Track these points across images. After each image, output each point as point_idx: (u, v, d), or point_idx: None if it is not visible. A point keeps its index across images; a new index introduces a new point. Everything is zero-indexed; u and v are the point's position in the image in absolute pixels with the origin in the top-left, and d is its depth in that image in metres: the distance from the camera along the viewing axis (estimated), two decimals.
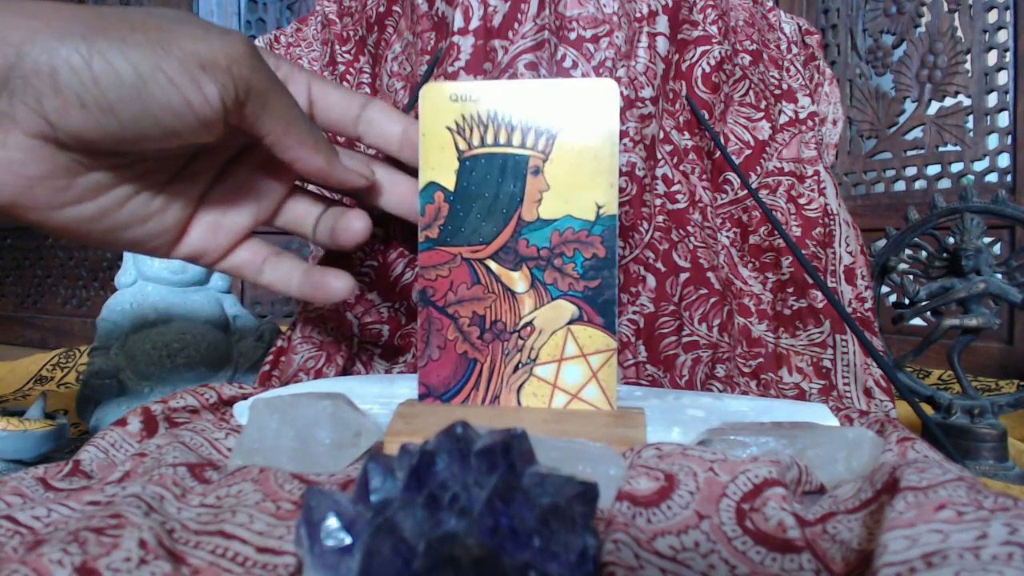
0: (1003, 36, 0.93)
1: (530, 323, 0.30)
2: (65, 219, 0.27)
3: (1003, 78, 0.93)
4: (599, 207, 0.30)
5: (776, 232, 0.44)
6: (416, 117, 0.31)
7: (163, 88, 0.24)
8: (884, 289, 0.57)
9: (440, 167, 0.31)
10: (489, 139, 0.30)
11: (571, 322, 0.30)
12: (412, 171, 0.33)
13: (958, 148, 0.97)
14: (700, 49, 0.45)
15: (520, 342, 0.30)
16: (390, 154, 0.34)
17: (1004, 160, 0.94)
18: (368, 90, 0.49)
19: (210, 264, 0.33)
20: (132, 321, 0.59)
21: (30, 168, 0.25)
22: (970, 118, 0.96)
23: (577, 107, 0.30)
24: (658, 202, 0.43)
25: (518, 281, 0.30)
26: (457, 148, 0.30)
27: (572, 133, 0.30)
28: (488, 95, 0.30)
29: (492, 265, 0.30)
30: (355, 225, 0.33)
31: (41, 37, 0.23)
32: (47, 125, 0.24)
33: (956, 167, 0.98)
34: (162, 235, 0.30)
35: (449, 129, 0.30)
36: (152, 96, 0.24)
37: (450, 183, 0.31)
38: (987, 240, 0.58)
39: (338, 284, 0.33)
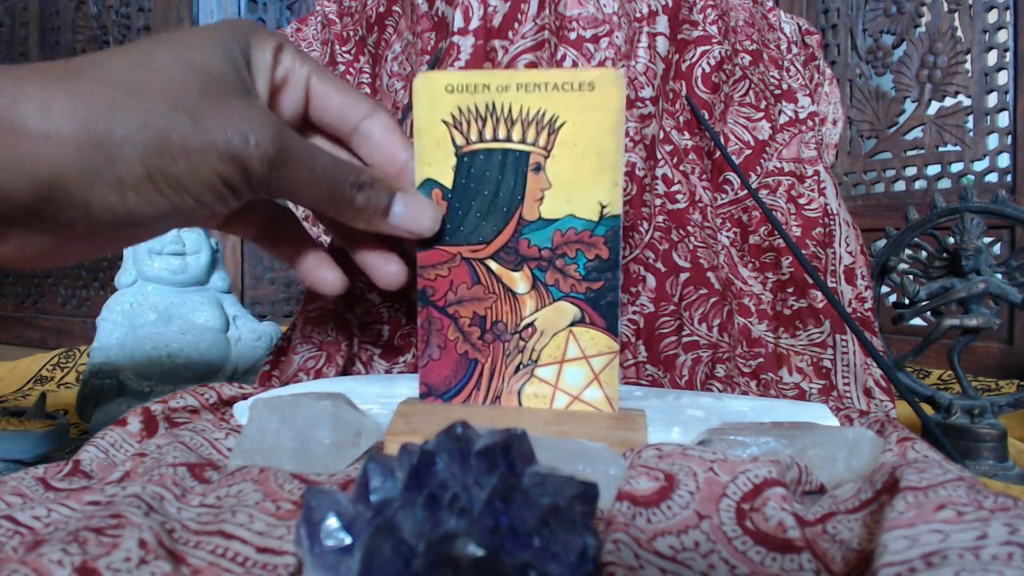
0: (1003, 36, 0.93)
1: (531, 324, 0.30)
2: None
3: (1003, 78, 0.93)
4: (603, 207, 0.29)
5: (776, 232, 0.44)
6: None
7: (191, 208, 0.25)
8: (884, 289, 0.57)
9: (437, 163, 0.29)
10: (488, 134, 0.29)
11: (573, 324, 0.30)
12: None
13: (958, 148, 0.97)
14: (700, 49, 0.45)
15: (521, 343, 0.30)
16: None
17: (1004, 160, 0.94)
18: (368, 90, 0.49)
19: (210, 228, 0.33)
20: (132, 321, 0.59)
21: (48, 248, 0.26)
22: (970, 118, 0.96)
23: (581, 99, 0.28)
24: (658, 202, 0.43)
25: (519, 282, 0.30)
26: (454, 143, 0.29)
27: (575, 127, 0.28)
28: (486, 85, 0.29)
29: (492, 265, 0.30)
30: (330, 277, 0.33)
31: (70, 171, 0.22)
32: (74, 233, 0.25)
33: (956, 167, 0.98)
34: (160, 230, 0.31)
35: (445, 123, 0.29)
36: (183, 212, 0.25)
37: (448, 180, 0.29)
38: (987, 240, 0.58)
39: (326, 276, 0.33)
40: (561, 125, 0.28)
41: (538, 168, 0.29)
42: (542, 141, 0.29)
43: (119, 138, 0.23)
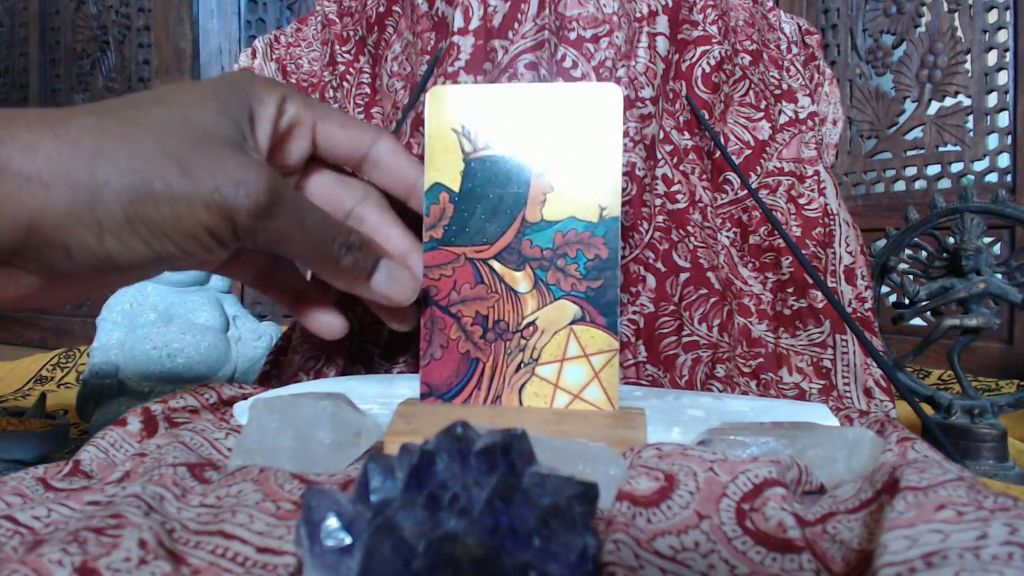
0: (1003, 36, 0.93)
1: (533, 323, 0.30)
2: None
3: (1003, 78, 0.93)
4: (602, 209, 0.30)
5: (776, 232, 0.44)
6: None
7: (173, 255, 0.25)
8: (884, 289, 0.57)
9: (445, 168, 0.31)
10: (494, 142, 0.31)
11: (573, 322, 0.30)
12: (414, 220, 0.32)
13: (958, 148, 0.97)
14: (700, 49, 0.45)
15: (522, 342, 0.30)
16: (396, 198, 0.33)
17: (1004, 160, 0.94)
18: (368, 90, 0.49)
19: (204, 271, 0.33)
20: (132, 321, 0.59)
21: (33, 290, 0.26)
22: (970, 118, 0.96)
23: (581, 111, 0.30)
24: (658, 202, 0.43)
25: (521, 281, 0.30)
26: (463, 150, 0.31)
27: (576, 136, 0.30)
28: (494, 98, 0.31)
29: (495, 265, 0.31)
30: (331, 322, 0.33)
31: (50, 214, 0.22)
32: (57, 274, 0.25)
33: (956, 167, 0.98)
34: (152, 273, 0.31)
35: (455, 131, 0.31)
36: (165, 259, 0.25)
37: (455, 184, 0.31)
38: (987, 240, 0.58)
39: (328, 321, 0.33)
40: (563, 134, 0.30)
41: (541, 173, 0.30)
42: (545, 148, 0.30)
43: (100, 182, 0.23)
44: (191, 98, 0.26)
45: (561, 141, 0.30)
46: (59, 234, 0.23)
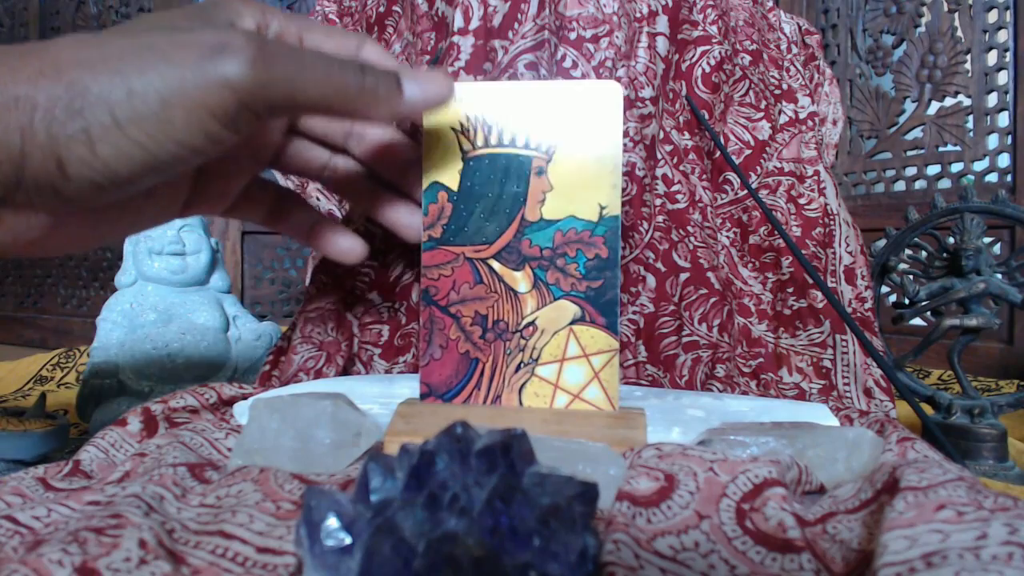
0: (1003, 36, 0.93)
1: (532, 323, 0.30)
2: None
3: (1003, 78, 0.93)
4: (602, 208, 0.30)
5: (776, 232, 0.44)
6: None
7: (174, 154, 0.23)
8: (884, 289, 0.57)
9: (444, 167, 0.30)
10: (493, 140, 0.30)
11: (573, 322, 0.30)
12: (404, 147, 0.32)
13: (958, 148, 0.97)
14: (700, 49, 0.45)
15: (522, 342, 0.30)
16: None
17: (1004, 160, 0.94)
18: None
19: (215, 216, 0.33)
20: (132, 321, 0.59)
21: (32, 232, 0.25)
22: (970, 118, 0.96)
23: (581, 109, 0.30)
24: (658, 202, 0.43)
25: (520, 281, 0.30)
26: (461, 148, 0.30)
27: (576, 134, 0.30)
28: (493, 97, 0.30)
29: (495, 265, 0.30)
30: (349, 244, 0.33)
31: (39, 131, 0.22)
32: (61, 202, 0.24)
33: (956, 167, 0.98)
34: (163, 215, 0.30)
35: (454, 130, 0.30)
36: (165, 161, 0.24)
37: (454, 183, 0.30)
38: (987, 240, 0.58)
39: (347, 244, 0.33)
40: (563, 132, 0.30)
41: (540, 172, 0.30)
42: (545, 146, 0.30)
43: (81, 88, 0.22)
44: (171, 17, 0.25)
45: (561, 139, 0.30)
46: (51, 151, 0.22)
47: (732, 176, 0.47)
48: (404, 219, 0.33)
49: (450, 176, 0.30)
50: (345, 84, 0.25)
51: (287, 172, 0.34)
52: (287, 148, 0.33)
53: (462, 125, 0.30)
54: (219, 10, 0.26)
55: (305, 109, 0.26)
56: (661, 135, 0.44)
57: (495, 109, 0.30)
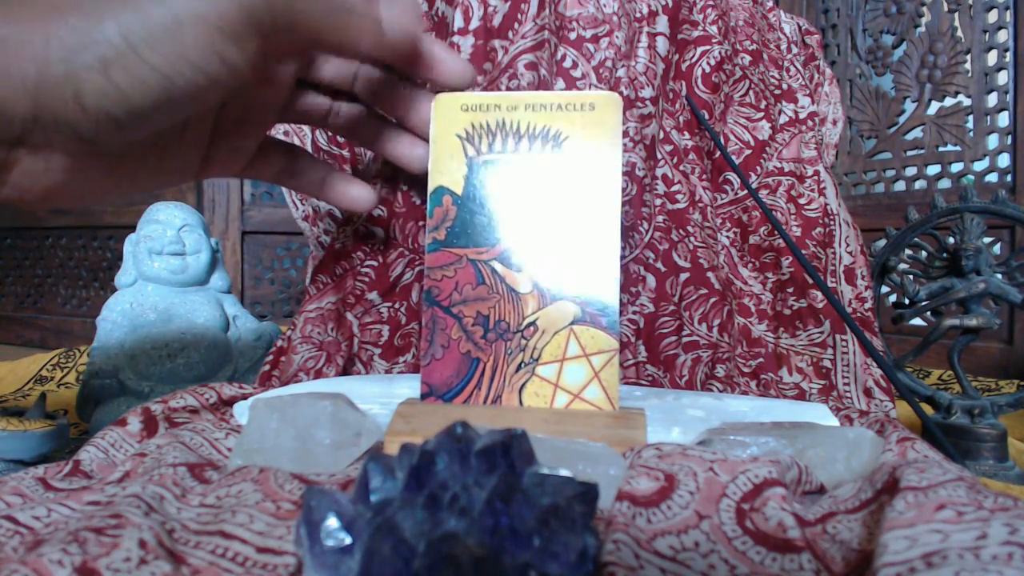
0: (1003, 36, 0.93)
1: (533, 323, 0.30)
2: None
3: (1003, 78, 0.93)
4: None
5: (776, 232, 0.44)
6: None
7: (192, 81, 0.24)
8: (884, 289, 0.57)
9: (449, 172, 0.32)
10: (497, 146, 0.31)
11: (574, 322, 0.30)
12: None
13: (958, 148, 0.97)
14: (700, 49, 0.45)
15: (523, 342, 0.30)
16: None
17: (1004, 160, 0.94)
18: None
19: (230, 176, 0.34)
20: (132, 321, 0.59)
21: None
22: (970, 118, 0.96)
23: (583, 117, 0.31)
24: (658, 202, 0.43)
25: (522, 282, 0.31)
26: (466, 154, 0.31)
27: (577, 140, 0.31)
28: (497, 105, 0.32)
29: (497, 266, 0.31)
30: (360, 193, 0.35)
31: (53, 65, 0.22)
32: (79, 139, 0.24)
33: (956, 167, 0.98)
34: (181, 172, 0.31)
35: (459, 137, 0.32)
36: (182, 88, 0.24)
37: (458, 188, 0.31)
38: (987, 240, 0.58)
39: (358, 193, 0.35)
40: (565, 139, 0.31)
41: (542, 176, 0.31)
42: (547, 152, 0.31)
43: (93, 15, 0.22)
44: None
45: (562, 146, 0.31)
46: (68, 83, 0.22)
47: (732, 176, 0.47)
48: (407, 150, 0.35)
49: (455, 181, 0.31)
50: (342, 7, 0.26)
51: (294, 121, 0.35)
52: (295, 98, 0.34)
53: (467, 132, 0.31)
54: None
55: (300, 28, 0.26)
56: (661, 135, 0.44)
57: (499, 117, 0.31)
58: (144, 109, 0.24)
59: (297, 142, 0.46)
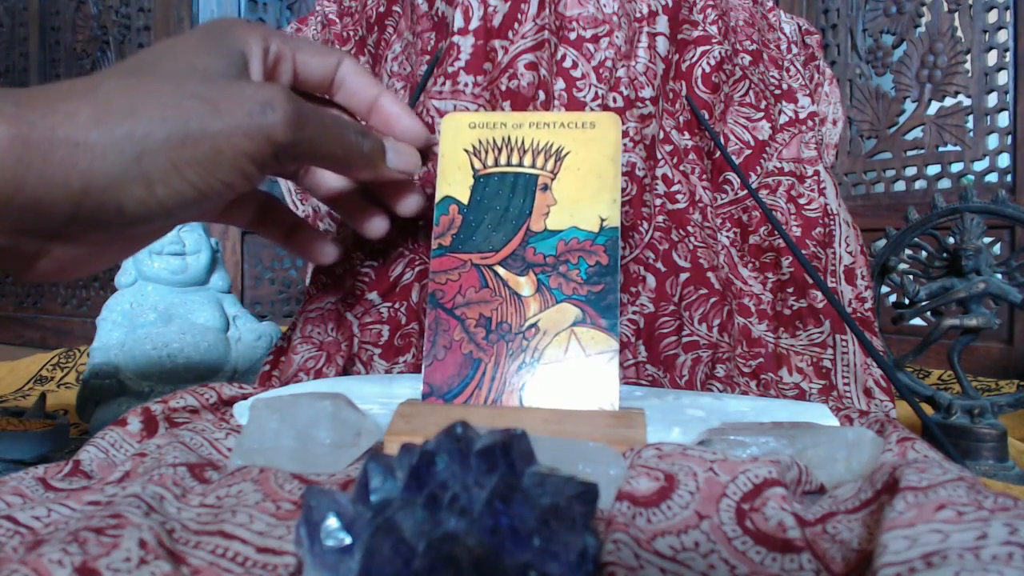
0: (1003, 36, 0.93)
1: (535, 324, 0.31)
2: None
3: (1003, 78, 0.93)
4: (602, 220, 0.32)
5: (776, 232, 0.44)
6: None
7: (218, 191, 0.26)
8: (884, 289, 0.57)
9: (456, 184, 0.33)
10: (503, 160, 0.33)
11: (575, 324, 0.30)
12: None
13: (958, 148, 0.97)
14: (700, 49, 0.45)
15: (525, 343, 0.31)
16: (359, 117, 0.35)
17: (1004, 160, 0.94)
18: None
19: (206, 221, 0.36)
20: (132, 321, 0.59)
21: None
22: (970, 118, 0.96)
23: (584, 134, 0.33)
24: (658, 202, 0.43)
25: (524, 285, 0.31)
26: (473, 168, 0.33)
27: (578, 156, 0.33)
28: (503, 123, 0.33)
29: (500, 270, 0.32)
30: (325, 248, 0.36)
31: (100, 175, 0.24)
32: (108, 236, 0.26)
33: (956, 167, 0.98)
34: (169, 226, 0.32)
35: (466, 151, 0.33)
36: (209, 196, 0.26)
37: (464, 197, 0.33)
38: (987, 240, 0.58)
39: (323, 248, 0.36)
40: (567, 154, 0.33)
41: (545, 188, 0.33)
42: (549, 166, 0.33)
43: (141, 136, 0.24)
44: (187, 48, 0.28)
45: (564, 161, 0.33)
46: (111, 194, 0.24)
47: (732, 176, 0.47)
48: (374, 224, 0.36)
49: (461, 191, 0.33)
50: (352, 147, 0.30)
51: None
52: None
53: (474, 147, 0.33)
54: (229, 38, 0.29)
55: (316, 162, 0.31)
56: (661, 135, 0.44)
57: (505, 134, 0.33)
58: (174, 211, 0.26)
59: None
